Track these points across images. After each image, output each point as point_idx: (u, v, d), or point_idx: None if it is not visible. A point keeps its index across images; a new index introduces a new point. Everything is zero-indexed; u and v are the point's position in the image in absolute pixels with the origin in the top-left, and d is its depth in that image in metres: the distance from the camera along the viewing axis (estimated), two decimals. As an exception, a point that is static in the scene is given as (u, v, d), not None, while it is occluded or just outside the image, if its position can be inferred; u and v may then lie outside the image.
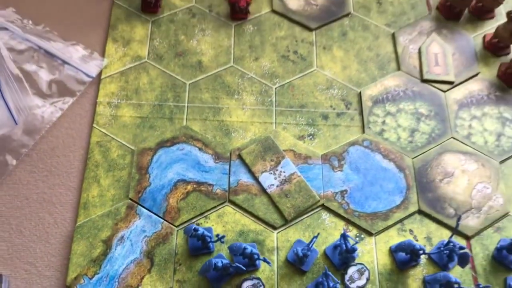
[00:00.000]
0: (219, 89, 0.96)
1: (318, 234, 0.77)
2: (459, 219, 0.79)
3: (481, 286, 0.75)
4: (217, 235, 0.77)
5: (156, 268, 0.80)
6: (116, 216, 0.83)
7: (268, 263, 0.74)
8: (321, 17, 1.06)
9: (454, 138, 0.93)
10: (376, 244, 0.84)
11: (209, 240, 0.79)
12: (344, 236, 0.78)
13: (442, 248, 0.79)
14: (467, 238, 0.85)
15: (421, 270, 0.82)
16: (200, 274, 0.76)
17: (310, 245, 0.77)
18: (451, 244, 0.79)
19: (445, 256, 0.81)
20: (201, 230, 0.77)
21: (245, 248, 0.76)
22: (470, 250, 0.85)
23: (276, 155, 0.89)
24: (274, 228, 0.84)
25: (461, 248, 0.79)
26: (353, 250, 0.78)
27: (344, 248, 0.78)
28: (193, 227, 0.77)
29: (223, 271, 0.77)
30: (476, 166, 0.91)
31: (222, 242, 0.76)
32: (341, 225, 0.85)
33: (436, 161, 0.91)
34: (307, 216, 0.85)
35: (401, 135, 0.93)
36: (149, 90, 0.95)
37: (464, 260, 0.78)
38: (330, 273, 0.74)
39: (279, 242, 0.83)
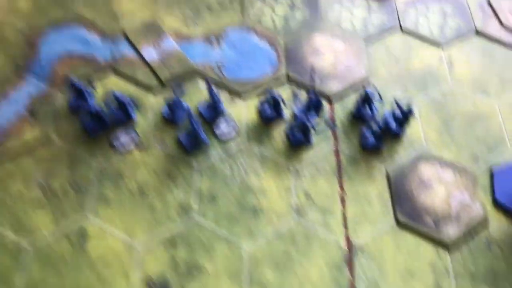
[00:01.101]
0: (112, -16, 1.05)
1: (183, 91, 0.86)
2: (313, 70, 0.89)
3: (329, 123, 0.84)
4: (88, 81, 0.84)
5: (38, 122, 0.86)
6: (5, 81, 0.90)
7: (137, 106, 0.81)
8: None
9: (324, 24, 1.04)
10: (246, 105, 0.93)
11: (86, 93, 0.86)
12: (210, 90, 0.86)
13: (297, 96, 0.89)
14: (330, 102, 0.95)
15: (284, 124, 0.91)
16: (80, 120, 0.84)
17: (176, 97, 0.86)
18: (309, 96, 0.89)
19: (305, 109, 0.91)
20: (78, 83, 0.85)
21: (117, 95, 0.83)
22: (333, 112, 0.94)
23: (160, 34, 0.98)
24: (153, 90, 0.92)
25: (317, 97, 0.88)
26: (218, 100, 0.86)
27: (212, 101, 0.87)
28: (71, 79, 0.84)
29: (97, 119, 0.84)
30: (344, 46, 1.01)
31: (94, 88, 0.84)
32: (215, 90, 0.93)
33: (306, 40, 1.01)
34: (185, 83, 0.93)
35: (276, 21, 1.03)
36: (46, -16, 1.03)
37: (317, 107, 0.88)
38: (194, 118, 0.82)
39: (157, 103, 0.91)
